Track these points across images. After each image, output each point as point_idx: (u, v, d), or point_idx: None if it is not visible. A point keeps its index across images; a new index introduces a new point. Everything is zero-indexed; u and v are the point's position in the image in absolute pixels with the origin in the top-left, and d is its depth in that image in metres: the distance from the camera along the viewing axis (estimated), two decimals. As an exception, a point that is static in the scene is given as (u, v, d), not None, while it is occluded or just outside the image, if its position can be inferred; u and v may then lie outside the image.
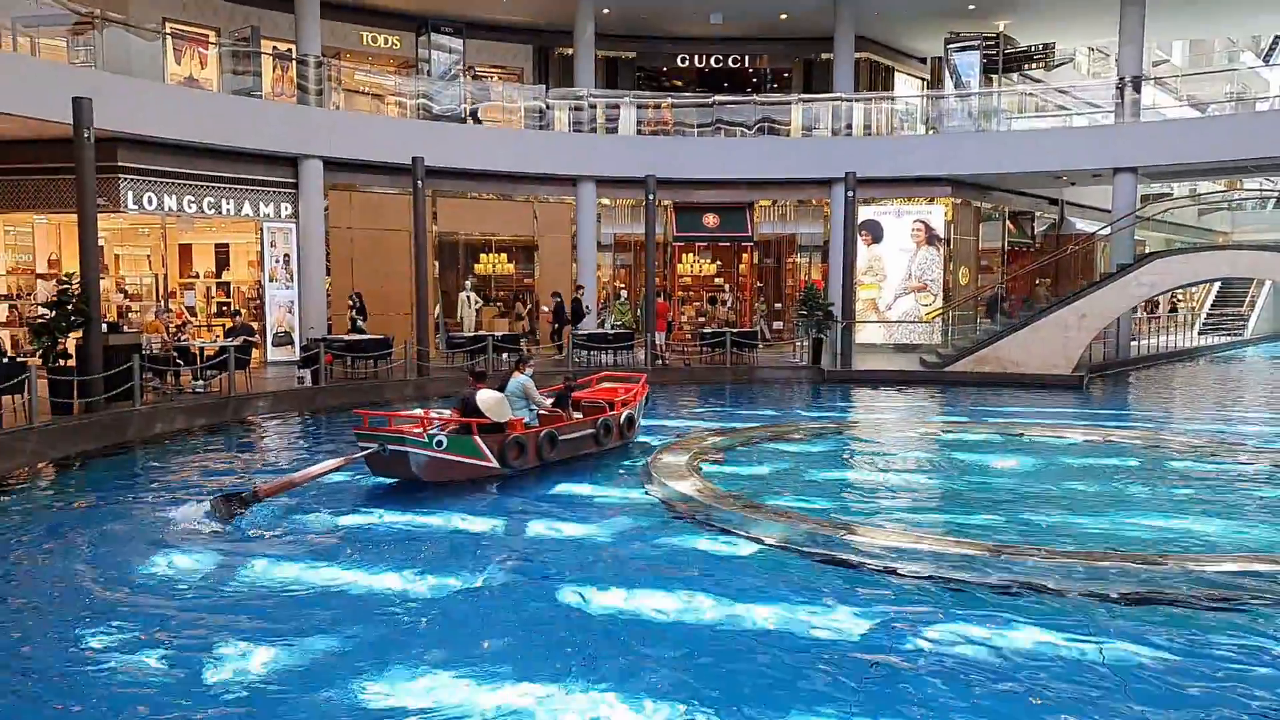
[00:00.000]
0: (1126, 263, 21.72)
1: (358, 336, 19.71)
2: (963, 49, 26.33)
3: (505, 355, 20.05)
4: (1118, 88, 23.81)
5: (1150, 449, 13.74)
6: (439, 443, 10.75)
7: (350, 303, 21.11)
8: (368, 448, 10.77)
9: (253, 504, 9.66)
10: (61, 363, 13.90)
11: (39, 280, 19.58)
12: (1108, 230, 24.12)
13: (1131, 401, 20.10)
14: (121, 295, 20.54)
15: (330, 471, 10.76)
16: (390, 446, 10.68)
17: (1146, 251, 25.00)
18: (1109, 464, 12.69)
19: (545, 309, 23.92)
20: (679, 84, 30.31)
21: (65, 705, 5.69)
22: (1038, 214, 31.18)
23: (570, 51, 26.31)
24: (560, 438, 11.97)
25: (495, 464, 11.18)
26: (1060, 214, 31.46)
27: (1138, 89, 23.59)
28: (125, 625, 6.82)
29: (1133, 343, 25.69)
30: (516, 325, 24.31)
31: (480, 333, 21.85)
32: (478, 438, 11.08)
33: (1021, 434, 14.64)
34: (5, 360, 13.96)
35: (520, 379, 11.94)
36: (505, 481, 11.21)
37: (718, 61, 29.27)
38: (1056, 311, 21.18)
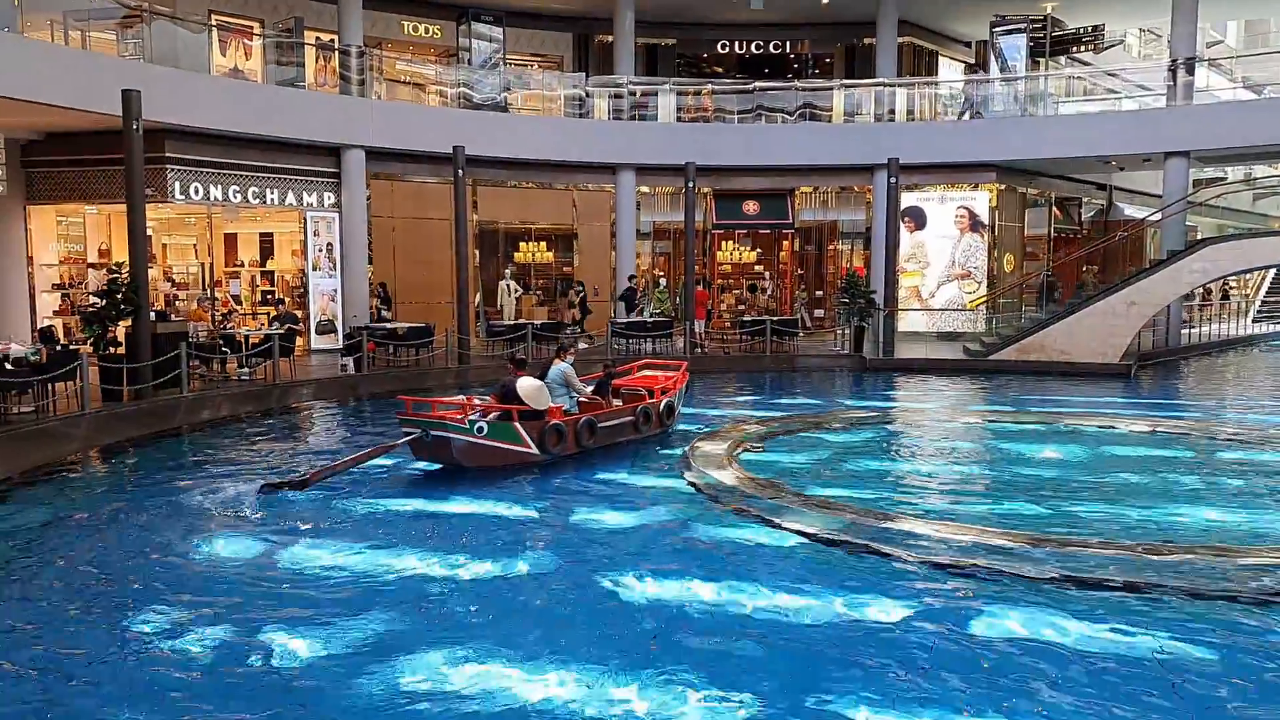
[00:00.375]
0: (1178, 249, 21.31)
1: (388, 325, 19.82)
2: (1009, 32, 25.91)
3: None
4: (1170, 70, 23.29)
5: (1200, 439, 13.50)
6: (480, 429, 10.96)
7: (375, 293, 21.27)
8: (410, 433, 11.00)
9: (300, 490, 9.91)
10: (111, 351, 14.16)
11: (90, 269, 19.94)
12: (1158, 216, 23.66)
13: (1181, 391, 19.74)
14: (169, 284, 20.85)
15: (374, 457, 11.01)
16: (433, 432, 10.88)
17: (1199, 238, 24.49)
18: (1157, 455, 12.48)
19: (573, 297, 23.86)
20: (719, 70, 30.16)
21: (111, 688, 5.80)
22: (1085, 200, 30.68)
23: (610, 39, 26.26)
24: (600, 425, 12.06)
25: (535, 450, 11.34)
26: (1109, 199, 30.93)
27: (1191, 71, 23.07)
28: (171, 609, 6.93)
29: (1184, 331, 25.21)
30: (567, 314, 24.24)
31: (520, 321, 21.93)
32: (518, 424, 11.21)
33: (1066, 424, 14.44)
34: (58, 348, 14.25)
35: (561, 366, 12.10)
36: (545, 469, 11.26)
37: (758, 47, 29.08)
38: (1104, 299, 20.82)
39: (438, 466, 11.20)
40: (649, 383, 13.79)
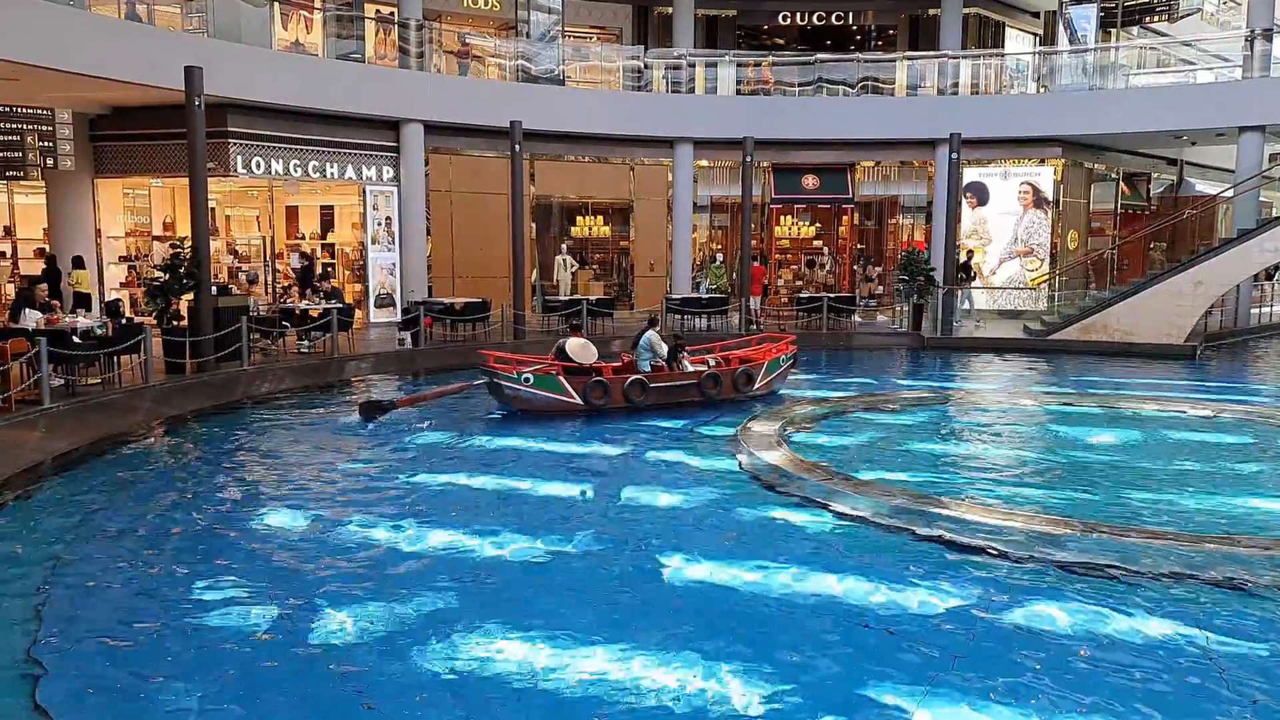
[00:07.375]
0: (1249, 227, 20.67)
1: (445, 301, 19.85)
2: (1080, 1, 25.23)
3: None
4: (1247, 40, 22.55)
5: (1266, 424, 13.13)
6: (526, 379, 13.09)
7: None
8: (480, 379, 13.35)
9: (390, 411, 12.74)
10: (175, 324, 14.47)
11: (155, 242, 20.37)
12: (1230, 192, 22.96)
13: (1248, 373, 19.22)
14: (232, 256, 21.22)
15: (455, 392, 13.56)
16: (494, 380, 13.16)
17: (1273, 215, 23.74)
18: (1220, 440, 12.18)
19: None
20: (780, 42, 29.75)
21: (169, 654, 5.97)
22: (1155, 175, 29.86)
23: (670, 11, 26.05)
24: (651, 385, 13.46)
25: (579, 401, 13.18)
26: (1179, 175, 30.06)
27: (1269, 40, 22.30)
28: (224, 579, 7.10)
29: (1254, 311, 24.49)
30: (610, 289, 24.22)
31: (576, 296, 21.99)
32: (562, 378, 13.16)
33: (1126, 407, 14.14)
34: (124, 321, 14.61)
35: (650, 335, 13.96)
36: (598, 444, 11.46)
37: (820, 19, 28.65)
38: (1170, 278, 20.32)
39: (500, 439, 11.69)
40: (750, 355, 15.00)
